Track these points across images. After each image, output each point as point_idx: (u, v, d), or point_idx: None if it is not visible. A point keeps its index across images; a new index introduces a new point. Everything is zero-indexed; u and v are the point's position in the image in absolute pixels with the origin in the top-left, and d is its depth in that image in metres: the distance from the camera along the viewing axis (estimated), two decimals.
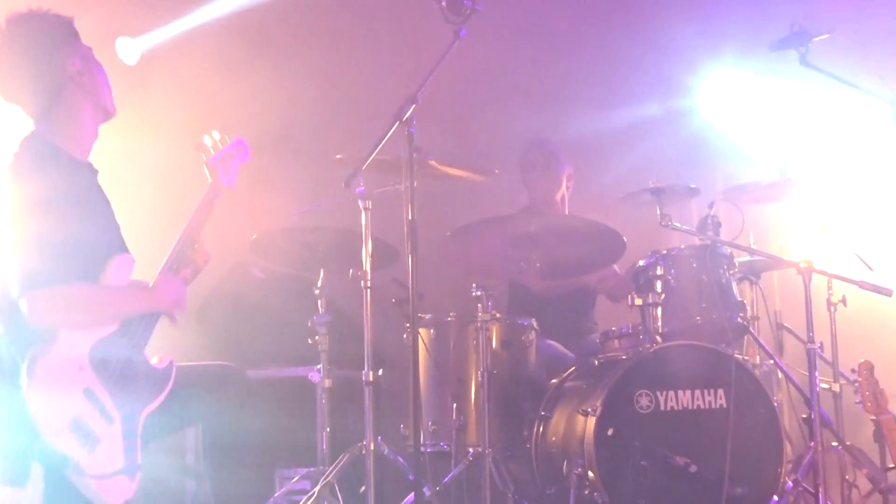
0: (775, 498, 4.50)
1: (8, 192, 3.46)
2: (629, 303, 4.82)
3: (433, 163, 5.03)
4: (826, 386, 5.17)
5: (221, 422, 3.78)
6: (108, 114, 3.78)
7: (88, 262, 3.46)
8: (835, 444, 5.01)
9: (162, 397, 3.54)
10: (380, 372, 4.71)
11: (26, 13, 3.62)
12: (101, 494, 3.24)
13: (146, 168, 5.92)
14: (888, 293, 4.82)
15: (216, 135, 4.08)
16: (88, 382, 3.32)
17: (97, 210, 3.61)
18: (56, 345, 3.30)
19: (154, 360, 3.61)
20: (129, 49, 6.43)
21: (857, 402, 4.76)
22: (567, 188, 6.01)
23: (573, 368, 4.97)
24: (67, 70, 3.63)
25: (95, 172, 3.70)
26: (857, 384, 4.74)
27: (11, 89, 3.65)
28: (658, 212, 4.84)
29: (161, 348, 3.67)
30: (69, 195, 3.49)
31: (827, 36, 4.53)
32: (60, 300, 3.35)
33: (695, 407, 4.51)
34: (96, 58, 3.78)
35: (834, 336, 5.27)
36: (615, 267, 5.58)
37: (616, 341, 5.05)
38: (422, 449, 4.52)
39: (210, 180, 4.00)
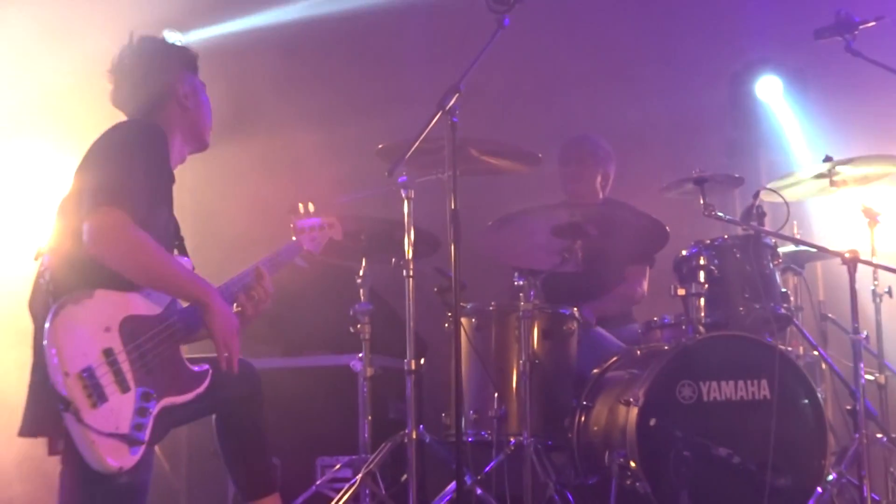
0: (819, 490, 4.47)
1: (109, 137, 3.56)
2: (672, 292, 4.80)
3: (475, 152, 5.02)
4: (871, 377, 5.11)
5: (233, 412, 3.79)
6: (201, 145, 3.91)
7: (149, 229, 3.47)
8: (879, 436, 4.96)
9: (186, 398, 3.52)
10: (421, 361, 4.73)
11: (156, 36, 3.93)
12: (93, 448, 3.20)
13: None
14: None
15: (311, 207, 4.29)
16: (112, 344, 3.31)
17: (166, 195, 3.66)
18: (91, 299, 3.31)
19: (190, 361, 3.58)
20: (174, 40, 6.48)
21: None
22: (602, 188, 5.97)
23: (615, 358, 4.96)
24: (175, 90, 3.79)
25: (173, 180, 3.73)
26: None
27: (121, 93, 3.80)
28: (701, 201, 4.81)
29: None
30: (158, 165, 3.57)
31: (873, 23, 4.49)
32: (123, 228, 3.33)
33: (738, 398, 4.48)
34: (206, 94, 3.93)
35: (879, 327, 5.22)
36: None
37: (658, 331, 5.05)
38: (463, 438, 4.53)
39: (294, 238, 4.20)
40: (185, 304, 3.59)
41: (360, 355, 5.13)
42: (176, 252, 3.72)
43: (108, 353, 3.30)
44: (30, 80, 5.57)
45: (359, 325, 5.10)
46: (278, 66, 6.53)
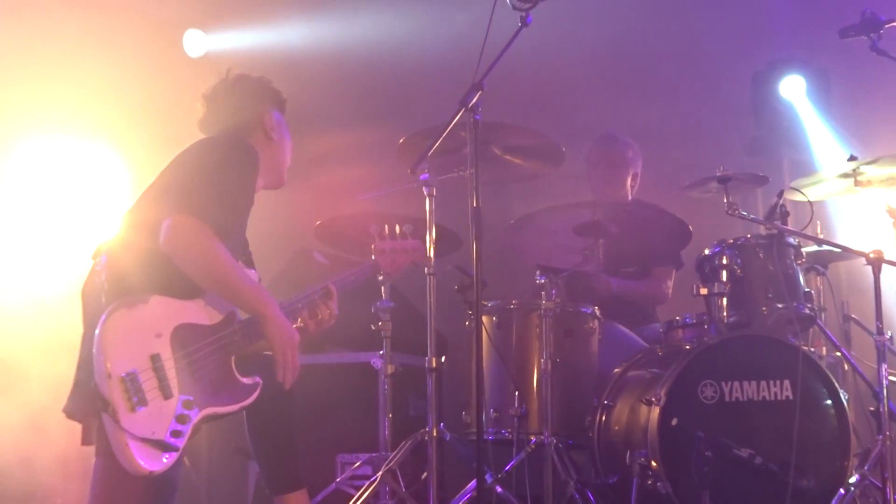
0: (841, 491, 4.44)
1: (196, 150, 3.67)
2: (694, 292, 4.77)
3: (497, 150, 5.01)
4: (895, 378, 5.08)
5: (263, 406, 3.79)
6: (277, 181, 4.02)
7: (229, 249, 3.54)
8: None
9: (230, 409, 3.55)
10: (442, 359, 4.72)
11: (252, 74, 4.02)
12: (126, 451, 3.23)
13: None
14: None
15: (398, 229, 4.34)
16: (160, 350, 3.35)
17: (246, 216, 3.74)
18: (146, 305, 3.35)
19: (239, 372, 3.59)
20: (197, 42, 6.49)
21: None
22: (632, 188, 5.97)
23: (637, 357, 4.94)
24: (264, 122, 3.90)
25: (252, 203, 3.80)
26: None
27: (210, 119, 3.90)
28: (725, 200, 4.79)
29: None
30: (247, 188, 3.66)
31: None
32: (202, 235, 3.41)
33: (760, 398, 4.46)
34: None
35: None
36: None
37: (680, 331, 5.03)
38: (484, 436, 4.52)
39: (373, 257, 4.28)
40: (244, 316, 3.62)
41: (381, 353, 5.12)
42: (241, 264, 3.75)
43: (155, 358, 3.34)
44: (64, 80, 5.61)
45: (380, 323, 5.10)
46: (301, 68, 6.54)
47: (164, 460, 3.30)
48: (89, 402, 3.30)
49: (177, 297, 3.45)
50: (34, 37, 5.53)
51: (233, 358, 3.56)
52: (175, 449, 3.32)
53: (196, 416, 3.40)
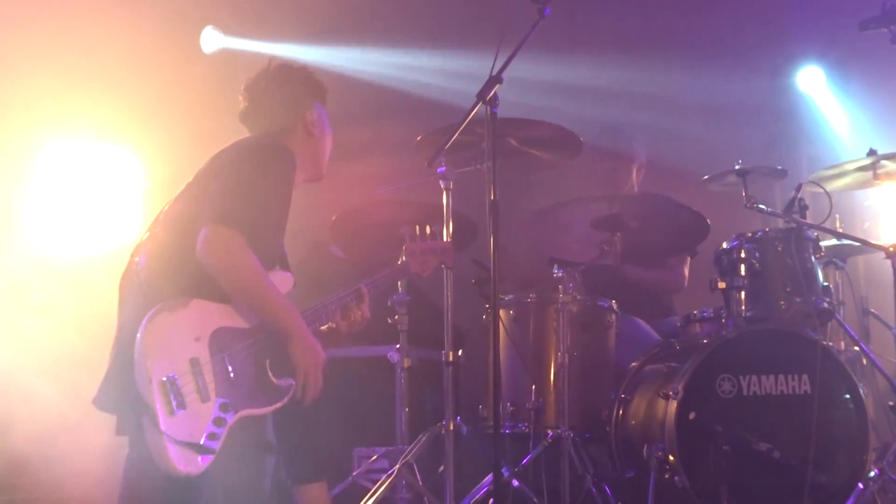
0: (860, 486, 4.42)
1: (239, 157, 3.65)
2: (712, 285, 4.76)
3: (515, 143, 4.99)
4: None
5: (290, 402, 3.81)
6: (318, 175, 4.01)
7: (260, 255, 3.54)
8: None
9: (265, 411, 3.56)
10: (459, 352, 4.72)
11: (294, 64, 4.03)
12: (164, 454, 3.26)
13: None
14: None
15: (428, 230, 4.31)
16: (199, 354, 3.37)
17: (284, 222, 3.73)
18: (186, 309, 3.37)
19: (273, 374, 3.58)
20: (213, 39, 6.49)
21: None
22: (637, 179, 5.95)
23: (655, 351, 4.93)
24: (306, 118, 3.88)
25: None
26: None
27: (251, 112, 3.89)
28: (743, 193, 4.77)
29: None
30: (284, 195, 3.66)
31: None
32: (237, 248, 3.43)
33: (778, 392, 4.44)
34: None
35: None
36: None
37: (698, 325, 5.01)
38: (501, 430, 4.52)
39: (403, 259, 4.26)
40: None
41: (398, 346, 5.13)
42: (278, 267, 3.75)
43: (194, 362, 3.36)
44: (80, 78, 5.62)
45: (396, 316, 5.10)
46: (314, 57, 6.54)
47: (200, 462, 3.33)
48: (125, 396, 3.32)
49: (215, 300, 3.47)
50: (51, 38, 5.54)
51: (267, 360, 3.56)
52: (212, 451, 3.35)
53: (232, 418, 3.42)
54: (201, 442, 3.33)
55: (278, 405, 3.56)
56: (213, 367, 3.40)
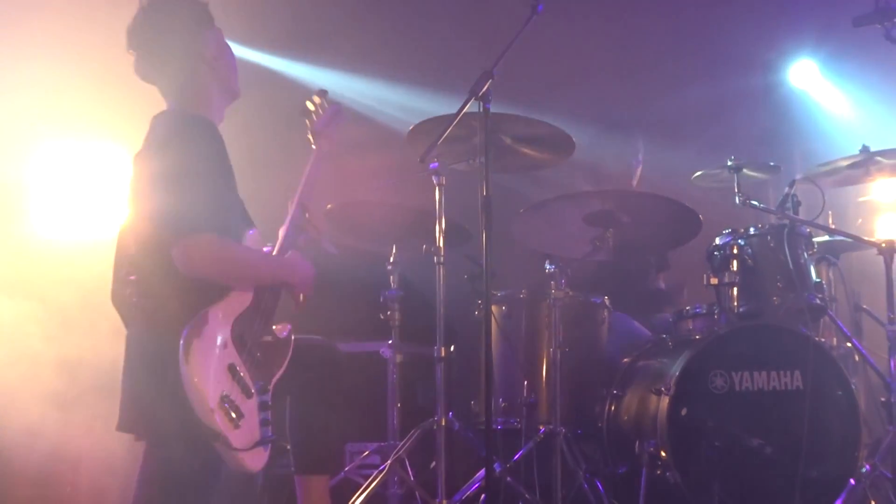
0: (852, 482, 4.43)
1: (149, 162, 3.50)
2: (705, 282, 4.76)
3: (508, 140, 4.98)
4: None
5: (308, 394, 3.82)
6: (234, 95, 3.87)
7: (230, 227, 3.50)
8: None
9: (284, 365, 3.62)
10: (451, 348, 4.71)
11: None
12: (244, 464, 3.32)
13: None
14: None
15: (317, 99, 4.17)
16: (232, 358, 3.38)
17: (232, 180, 3.64)
18: (207, 325, 3.33)
19: (277, 330, 3.68)
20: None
21: None
22: (638, 179, 5.98)
23: (647, 347, 4.93)
24: (204, 55, 3.72)
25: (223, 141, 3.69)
26: None
27: (150, 69, 3.72)
28: (736, 189, 4.77)
29: None
30: (213, 158, 3.52)
31: None
32: (215, 248, 3.38)
33: (770, 388, 4.45)
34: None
35: None
36: None
37: (690, 321, 5.01)
38: (493, 425, 4.51)
39: (314, 147, 4.10)
40: None
41: (390, 342, 5.13)
42: (247, 230, 3.70)
43: (231, 369, 3.37)
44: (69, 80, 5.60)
45: (388, 312, 5.10)
46: (308, 53, 6.52)
47: (265, 453, 3.41)
48: (138, 407, 3.36)
49: (218, 299, 3.43)
50: (45, 36, 5.52)
51: (272, 320, 3.65)
52: (270, 439, 3.43)
53: (269, 395, 3.48)
54: (261, 436, 3.40)
55: (290, 354, 3.64)
56: (244, 362, 3.42)
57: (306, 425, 3.85)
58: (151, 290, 3.44)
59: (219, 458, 3.33)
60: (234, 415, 3.31)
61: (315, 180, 4.00)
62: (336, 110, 4.18)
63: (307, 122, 4.16)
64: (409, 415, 5.13)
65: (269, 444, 3.43)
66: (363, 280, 5.79)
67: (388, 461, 4.77)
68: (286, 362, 3.64)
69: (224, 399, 3.29)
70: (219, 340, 3.36)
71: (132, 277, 3.47)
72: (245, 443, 3.33)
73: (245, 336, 3.46)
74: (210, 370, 3.29)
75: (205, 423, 3.24)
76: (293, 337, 3.71)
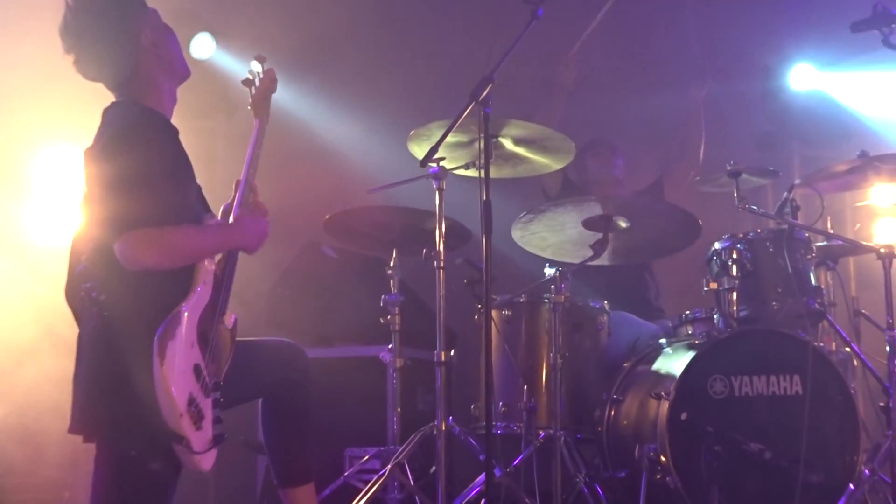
0: (851, 486, 4.43)
1: (98, 164, 3.43)
2: (704, 287, 4.76)
3: (505, 143, 4.98)
4: None
5: (279, 397, 3.80)
6: (183, 77, 3.74)
7: (181, 219, 3.43)
8: None
9: (231, 356, 3.56)
10: (451, 352, 4.72)
11: None
12: (200, 466, 3.31)
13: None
14: None
15: (256, 66, 3.98)
16: (197, 359, 3.35)
17: (185, 170, 3.57)
18: (181, 325, 3.28)
19: (225, 321, 3.61)
20: (206, 46, 6.45)
21: None
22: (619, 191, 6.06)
23: (646, 352, 4.94)
24: (142, 43, 3.58)
25: (177, 132, 3.62)
26: None
27: (90, 68, 3.60)
28: (735, 194, 4.78)
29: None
30: (160, 154, 3.44)
31: None
32: (153, 237, 3.30)
33: (770, 393, 4.45)
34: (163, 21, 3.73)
35: None
36: None
37: (689, 325, 5.01)
38: (493, 430, 4.51)
39: (256, 119, 3.92)
40: (218, 267, 3.57)
41: (390, 346, 5.12)
42: (205, 216, 3.64)
43: (196, 370, 3.34)
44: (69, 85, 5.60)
45: (389, 316, 5.10)
46: (310, 60, 6.52)
47: (215, 452, 3.40)
48: (105, 416, 3.31)
49: (182, 294, 3.38)
50: (42, 39, 5.51)
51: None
52: (223, 439, 3.40)
53: (219, 392, 3.44)
54: (214, 435, 3.37)
55: (233, 345, 3.59)
56: (205, 361, 3.38)
57: (279, 436, 3.84)
58: (108, 290, 3.37)
59: (177, 458, 3.31)
60: (197, 418, 3.28)
61: (258, 156, 3.83)
62: (271, 78, 3.98)
63: (250, 90, 3.97)
64: (409, 419, 5.12)
65: (219, 443, 3.39)
66: (363, 284, 5.80)
67: (388, 466, 4.76)
68: (232, 353, 3.57)
69: (191, 402, 3.26)
70: (187, 339, 3.31)
71: (87, 284, 3.41)
72: (203, 445, 3.31)
73: (207, 333, 3.41)
74: (182, 373, 3.25)
75: (170, 427, 3.21)
76: (236, 324, 3.63)
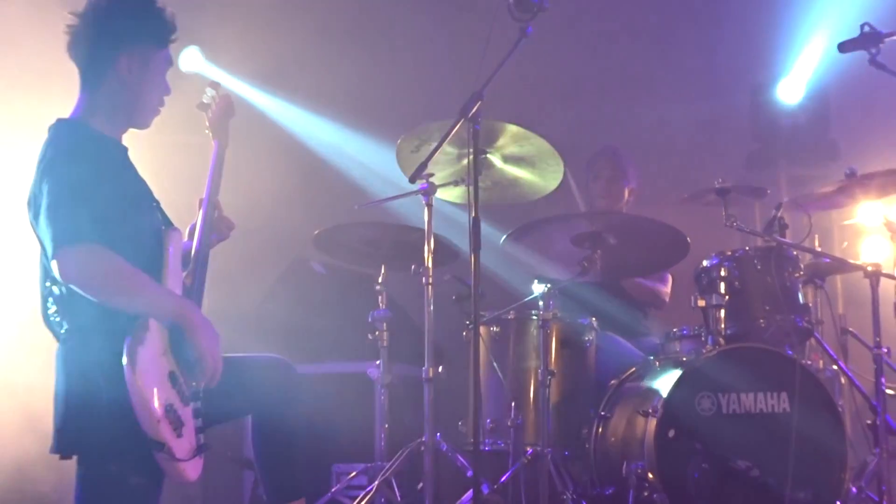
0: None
1: (41, 184, 3.36)
2: (692, 304, 4.77)
3: (493, 159, 4.99)
4: (892, 392, 5.08)
5: (268, 413, 3.79)
6: (135, 126, 3.67)
7: (139, 246, 3.40)
8: None
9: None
10: (439, 369, 4.72)
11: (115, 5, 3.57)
12: (185, 474, 3.29)
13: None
14: None
15: (210, 91, 4.03)
16: (171, 366, 3.32)
17: (134, 189, 3.55)
18: (149, 332, 3.26)
19: None
20: (194, 59, 6.44)
21: None
22: (628, 202, 5.99)
23: (633, 369, 4.94)
24: (118, 66, 3.54)
25: (125, 150, 3.60)
26: None
27: (73, 48, 3.57)
28: (723, 212, 4.79)
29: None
30: (105, 175, 3.39)
31: None
32: (94, 258, 3.23)
33: (757, 410, 4.45)
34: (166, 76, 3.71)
35: None
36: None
37: (677, 343, 5.01)
38: (480, 447, 4.51)
39: (215, 140, 3.95)
40: (187, 280, 3.58)
41: (378, 362, 5.12)
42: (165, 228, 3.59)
43: (172, 377, 3.32)
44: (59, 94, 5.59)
45: (377, 333, 5.10)
46: (299, 76, 6.53)
47: (200, 461, 3.38)
48: (84, 433, 3.29)
49: None
50: (29, 51, 5.52)
51: None
52: (206, 447, 3.38)
53: (199, 399, 3.41)
54: (197, 444, 3.36)
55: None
56: (180, 369, 3.35)
57: (269, 452, 3.81)
58: (72, 309, 3.35)
59: (160, 471, 3.29)
60: (176, 425, 3.26)
61: (220, 175, 3.84)
62: (228, 102, 4.03)
63: (205, 115, 4.01)
64: (397, 435, 5.12)
65: (202, 451, 3.37)
66: (351, 300, 5.80)
67: (376, 482, 4.76)
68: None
69: (169, 409, 3.24)
70: (158, 348, 3.29)
71: (52, 303, 3.40)
72: (186, 453, 3.29)
73: (182, 341, 3.36)
74: (155, 379, 3.24)
75: (149, 435, 3.20)
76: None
